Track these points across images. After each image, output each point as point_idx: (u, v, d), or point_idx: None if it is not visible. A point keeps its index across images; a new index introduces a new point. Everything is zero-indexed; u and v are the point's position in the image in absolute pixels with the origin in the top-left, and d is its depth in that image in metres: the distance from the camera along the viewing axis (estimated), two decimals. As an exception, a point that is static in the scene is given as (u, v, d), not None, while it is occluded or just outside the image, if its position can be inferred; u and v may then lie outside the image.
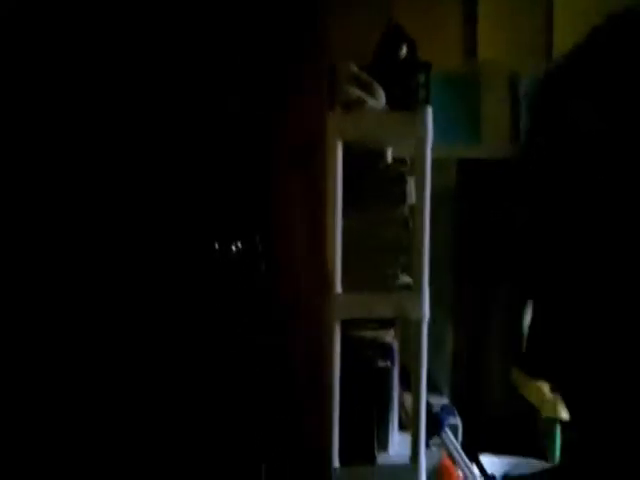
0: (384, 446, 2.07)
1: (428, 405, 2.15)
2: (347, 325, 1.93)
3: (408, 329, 2.02)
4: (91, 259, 1.78)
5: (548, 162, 0.83)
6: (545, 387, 2.70)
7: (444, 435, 2.38)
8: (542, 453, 2.79)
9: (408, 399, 2.16)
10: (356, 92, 1.84)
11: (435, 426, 2.34)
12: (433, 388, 2.62)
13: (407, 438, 2.02)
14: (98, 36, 1.80)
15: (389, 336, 2.08)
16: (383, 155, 2.16)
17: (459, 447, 2.38)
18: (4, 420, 1.78)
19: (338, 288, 1.87)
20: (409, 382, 2.01)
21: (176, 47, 1.79)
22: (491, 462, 2.67)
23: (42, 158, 1.80)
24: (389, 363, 2.02)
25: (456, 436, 2.47)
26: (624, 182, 0.75)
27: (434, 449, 2.34)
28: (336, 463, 1.89)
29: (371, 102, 1.86)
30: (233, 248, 1.71)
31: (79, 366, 1.78)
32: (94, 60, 1.80)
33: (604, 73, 0.79)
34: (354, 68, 1.91)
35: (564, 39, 2.80)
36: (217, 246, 1.69)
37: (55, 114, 1.80)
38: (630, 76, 0.78)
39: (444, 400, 2.64)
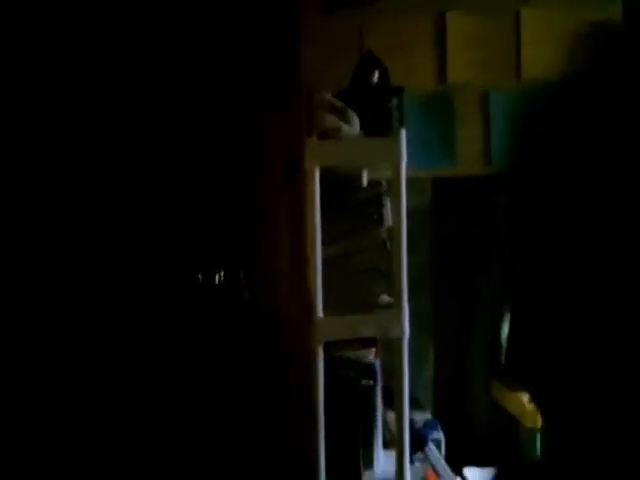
0: (369, 464, 2.11)
1: (411, 421, 2.19)
2: (330, 346, 1.97)
3: (390, 348, 2.06)
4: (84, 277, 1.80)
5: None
6: (524, 398, 2.75)
7: (428, 450, 2.42)
8: (524, 464, 2.84)
9: (392, 416, 2.20)
10: (332, 119, 1.89)
11: (419, 442, 2.38)
12: (416, 404, 2.66)
13: (392, 455, 2.05)
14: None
15: (371, 355, 2.12)
16: (359, 178, 2.21)
17: (443, 461, 2.42)
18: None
19: (320, 312, 1.91)
20: (392, 400, 2.05)
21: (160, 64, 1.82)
22: (475, 475, 2.71)
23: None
24: (372, 382, 2.06)
25: (440, 450, 2.51)
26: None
27: (418, 464, 2.37)
28: (323, 481, 1.93)
29: (346, 128, 1.91)
30: (216, 276, 1.75)
31: (74, 380, 1.80)
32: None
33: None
34: (329, 96, 1.97)
35: (532, 57, 2.88)
36: (200, 277, 1.73)
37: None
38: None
39: (427, 415, 2.68)
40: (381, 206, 2.00)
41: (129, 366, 1.79)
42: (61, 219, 1.84)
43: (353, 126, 2.00)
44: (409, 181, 1.99)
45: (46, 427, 1.82)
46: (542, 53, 2.84)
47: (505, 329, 3.02)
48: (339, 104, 2.00)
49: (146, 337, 1.82)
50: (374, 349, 2.16)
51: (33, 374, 1.83)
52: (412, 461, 2.24)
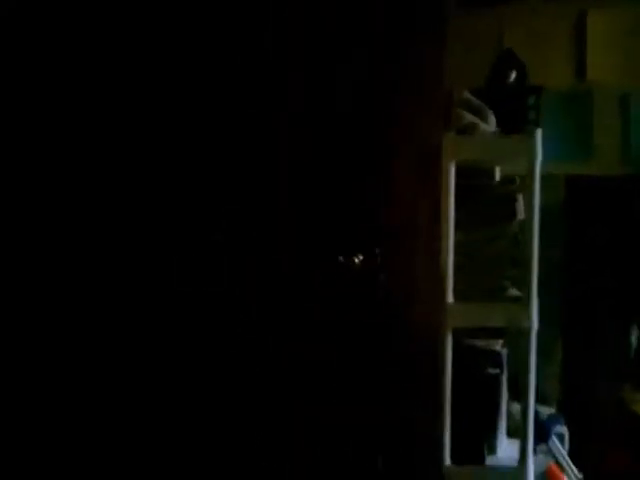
0: (493, 450, 2.16)
1: (536, 413, 2.24)
2: (459, 333, 2.06)
3: (517, 339, 2.12)
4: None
5: None
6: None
7: (551, 442, 2.46)
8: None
9: (516, 407, 2.25)
10: (469, 117, 1.97)
11: (542, 434, 2.41)
12: (541, 398, 2.69)
13: (515, 444, 2.11)
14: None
15: (498, 345, 2.18)
16: (492, 173, 2.27)
17: (566, 454, 2.45)
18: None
19: (450, 298, 2.00)
20: (517, 391, 2.11)
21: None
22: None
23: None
24: (498, 370, 2.12)
25: (563, 444, 2.54)
26: None
27: (541, 456, 2.41)
28: (447, 461, 2.01)
29: (483, 126, 1.99)
30: (355, 259, 1.87)
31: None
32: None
33: None
34: (467, 94, 2.05)
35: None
36: (341, 259, 1.84)
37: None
38: None
39: (552, 409, 2.70)
40: (514, 201, 2.07)
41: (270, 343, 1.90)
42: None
43: (489, 124, 2.08)
44: (543, 178, 2.04)
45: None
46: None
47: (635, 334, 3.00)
48: (476, 102, 2.08)
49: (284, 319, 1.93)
50: (501, 340, 2.22)
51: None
52: (535, 452, 2.29)
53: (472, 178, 2.14)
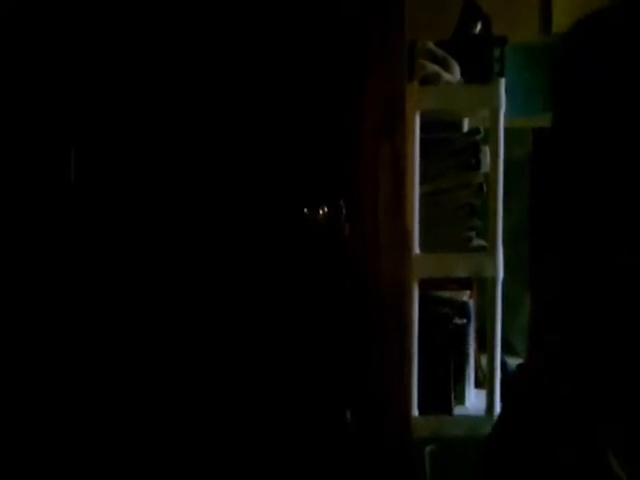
0: (461, 400, 2.18)
1: (504, 364, 2.26)
2: (425, 286, 2.07)
3: (484, 290, 2.14)
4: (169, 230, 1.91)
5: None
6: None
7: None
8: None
9: (484, 359, 2.27)
10: (433, 67, 1.96)
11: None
12: (510, 350, 2.71)
13: (483, 394, 2.14)
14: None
15: (466, 296, 2.19)
16: (460, 126, 2.27)
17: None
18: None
19: (416, 249, 2.01)
20: (486, 342, 2.13)
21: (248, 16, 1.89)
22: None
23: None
24: (465, 321, 2.14)
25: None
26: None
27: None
28: (415, 412, 2.03)
29: (446, 76, 1.98)
30: (320, 212, 1.86)
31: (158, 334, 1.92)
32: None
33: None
34: (431, 45, 2.04)
35: None
36: (305, 210, 1.84)
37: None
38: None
39: (520, 361, 2.73)
40: (478, 151, 2.07)
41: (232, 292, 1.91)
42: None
43: (453, 75, 2.07)
44: (510, 131, 2.04)
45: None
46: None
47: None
48: (440, 53, 2.07)
49: (246, 274, 1.93)
50: (468, 291, 2.24)
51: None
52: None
53: (439, 131, 2.14)
